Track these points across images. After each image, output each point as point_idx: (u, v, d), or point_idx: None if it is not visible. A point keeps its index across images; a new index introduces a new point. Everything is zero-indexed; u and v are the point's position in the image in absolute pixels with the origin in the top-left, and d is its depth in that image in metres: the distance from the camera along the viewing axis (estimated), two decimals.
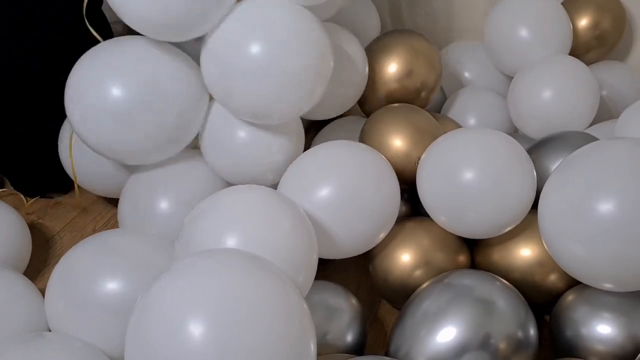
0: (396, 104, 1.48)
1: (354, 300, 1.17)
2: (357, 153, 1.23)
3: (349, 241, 1.18)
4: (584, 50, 1.65)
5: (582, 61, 1.59)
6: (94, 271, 1.06)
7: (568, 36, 1.59)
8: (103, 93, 1.19)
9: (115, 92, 1.19)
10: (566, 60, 1.52)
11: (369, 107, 1.54)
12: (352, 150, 1.23)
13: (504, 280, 1.11)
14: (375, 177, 1.20)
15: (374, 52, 1.52)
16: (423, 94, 1.51)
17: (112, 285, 1.05)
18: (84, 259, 1.09)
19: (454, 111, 1.68)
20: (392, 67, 1.48)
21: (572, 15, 1.62)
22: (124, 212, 1.36)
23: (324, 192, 1.15)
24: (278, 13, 1.18)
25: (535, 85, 1.49)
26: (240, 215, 1.01)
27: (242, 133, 1.28)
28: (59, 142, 1.45)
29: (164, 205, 1.30)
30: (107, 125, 1.21)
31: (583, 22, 1.64)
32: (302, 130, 1.38)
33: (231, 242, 0.96)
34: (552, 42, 1.56)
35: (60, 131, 1.45)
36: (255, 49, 1.14)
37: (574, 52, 1.61)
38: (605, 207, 0.95)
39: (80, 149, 1.34)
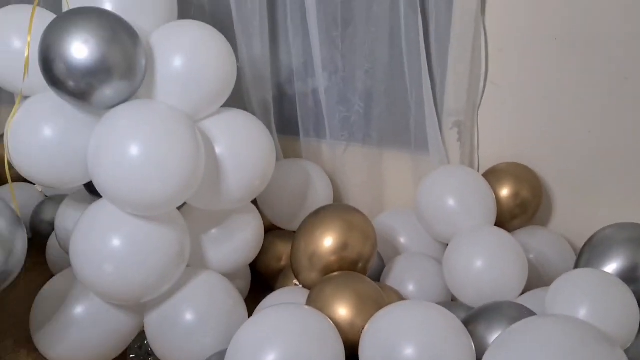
0: (336, 273, 1.51)
1: None
2: (301, 314, 1.26)
3: None
4: (509, 217, 1.76)
5: (508, 228, 1.69)
6: None
7: (492, 205, 1.70)
8: None
9: None
10: (494, 231, 1.61)
11: (306, 279, 1.55)
12: (296, 311, 1.27)
13: None
14: (319, 337, 1.22)
15: (310, 225, 1.57)
16: (360, 265, 1.54)
17: None
18: None
19: (393, 278, 1.71)
20: (328, 241, 1.52)
21: (493, 186, 1.75)
22: None
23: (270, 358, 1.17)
24: None
25: (467, 256, 1.55)
26: None
27: None
28: None
29: None
30: None
31: (504, 191, 1.77)
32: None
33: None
34: (479, 212, 1.67)
35: None
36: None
37: (500, 220, 1.72)
38: None
39: None
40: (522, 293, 1.54)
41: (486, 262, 1.52)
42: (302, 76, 1.96)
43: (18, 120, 1.39)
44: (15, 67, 1.40)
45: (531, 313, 1.34)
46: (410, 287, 1.68)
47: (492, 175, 1.79)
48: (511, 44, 1.76)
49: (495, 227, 1.64)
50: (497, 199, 1.74)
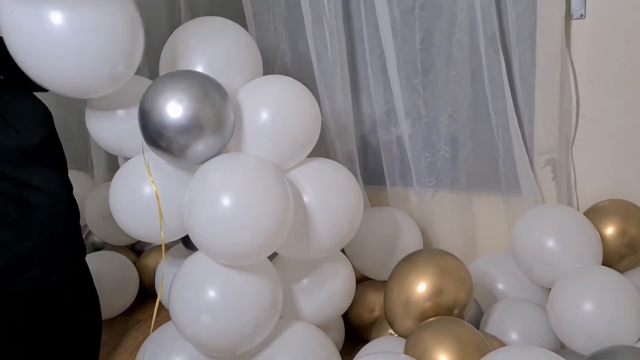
0: (434, 318, 1.45)
1: None
2: None
3: None
4: (617, 258, 1.63)
5: (617, 269, 1.56)
6: None
7: (598, 245, 1.59)
8: None
9: None
10: (602, 271, 1.49)
11: (401, 328, 1.50)
12: None
13: None
14: None
15: (402, 272, 1.52)
16: (456, 311, 1.48)
17: None
18: None
19: (493, 326, 1.61)
20: (421, 287, 1.47)
21: (596, 225, 1.64)
22: None
23: None
24: None
25: (576, 299, 1.44)
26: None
27: None
28: None
29: None
30: None
31: (609, 230, 1.65)
32: None
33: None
34: (583, 252, 1.56)
35: None
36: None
37: (607, 261, 1.60)
38: None
39: None
40: None
41: (597, 305, 1.40)
42: (385, 125, 1.97)
43: (120, 179, 1.47)
44: (119, 132, 1.51)
45: None
46: (514, 335, 1.57)
47: (594, 214, 1.68)
48: (601, 75, 1.69)
49: (604, 267, 1.52)
50: (602, 239, 1.62)
